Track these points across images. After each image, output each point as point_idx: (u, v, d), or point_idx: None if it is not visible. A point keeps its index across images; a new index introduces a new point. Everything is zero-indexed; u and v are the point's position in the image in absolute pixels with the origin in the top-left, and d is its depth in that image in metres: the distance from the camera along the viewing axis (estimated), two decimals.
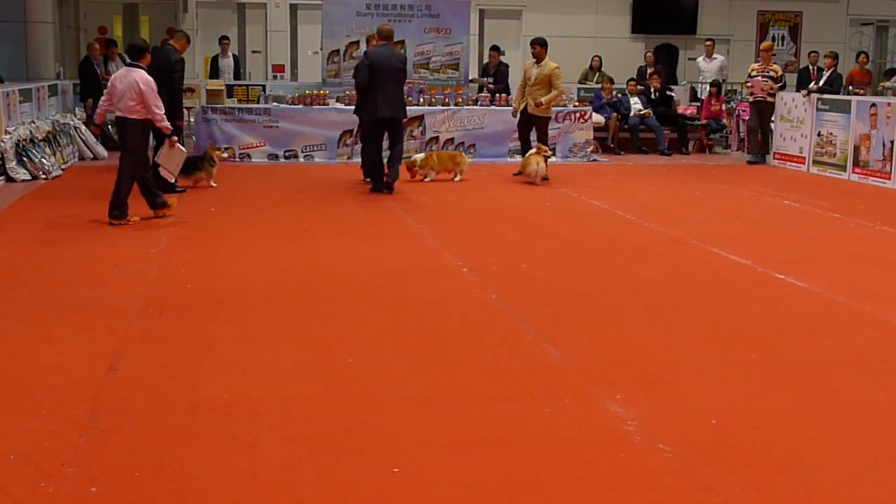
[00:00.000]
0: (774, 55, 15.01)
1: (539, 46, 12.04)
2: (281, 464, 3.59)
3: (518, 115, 12.29)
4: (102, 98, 8.70)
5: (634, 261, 7.36)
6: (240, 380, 4.50)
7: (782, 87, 14.24)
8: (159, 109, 8.31)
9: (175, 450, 3.69)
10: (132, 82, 8.25)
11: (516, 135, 13.80)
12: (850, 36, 20.40)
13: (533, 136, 12.31)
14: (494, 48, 15.62)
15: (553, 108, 13.73)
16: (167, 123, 8.48)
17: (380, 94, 10.34)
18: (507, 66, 15.46)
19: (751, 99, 14.40)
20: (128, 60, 8.49)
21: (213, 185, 10.72)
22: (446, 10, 14.54)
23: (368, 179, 10.91)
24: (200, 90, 14.93)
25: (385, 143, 10.77)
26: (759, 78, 14.07)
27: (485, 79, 15.13)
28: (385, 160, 10.70)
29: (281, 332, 5.29)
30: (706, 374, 4.74)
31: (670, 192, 11.34)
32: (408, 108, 13.33)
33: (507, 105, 13.79)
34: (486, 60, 16.20)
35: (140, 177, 8.50)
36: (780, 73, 14.24)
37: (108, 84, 8.64)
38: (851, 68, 16.93)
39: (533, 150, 11.75)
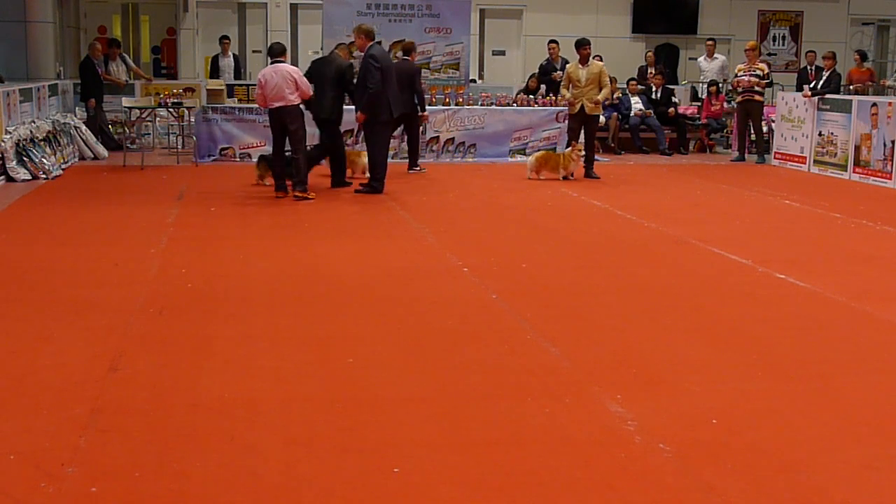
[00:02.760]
0: (760, 54, 15.09)
1: (589, 47, 12.13)
2: (281, 464, 3.59)
3: (573, 116, 12.25)
4: (257, 93, 9.87)
5: (634, 261, 7.36)
6: (240, 380, 4.50)
7: (769, 85, 14.24)
8: (309, 89, 9.90)
9: (175, 450, 3.69)
10: (285, 74, 9.67)
11: (517, 134, 13.88)
12: (851, 36, 20.39)
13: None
14: (554, 41, 15.50)
15: (556, 108, 13.91)
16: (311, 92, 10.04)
17: (390, 93, 10.46)
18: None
19: (738, 98, 14.42)
20: (273, 59, 9.99)
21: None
22: (447, 10, 14.53)
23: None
24: (201, 90, 14.93)
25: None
26: (746, 78, 14.13)
27: (559, 72, 14.71)
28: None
29: (281, 332, 5.29)
30: (706, 374, 4.74)
31: (671, 191, 11.34)
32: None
33: (550, 106, 14.01)
34: (541, 60, 15.74)
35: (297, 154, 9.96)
36: (766, 71, 14.33)
37: (259, 83, 9.81)
38: (851, 68, 16.94)
39: (568, 149, 11.96)
